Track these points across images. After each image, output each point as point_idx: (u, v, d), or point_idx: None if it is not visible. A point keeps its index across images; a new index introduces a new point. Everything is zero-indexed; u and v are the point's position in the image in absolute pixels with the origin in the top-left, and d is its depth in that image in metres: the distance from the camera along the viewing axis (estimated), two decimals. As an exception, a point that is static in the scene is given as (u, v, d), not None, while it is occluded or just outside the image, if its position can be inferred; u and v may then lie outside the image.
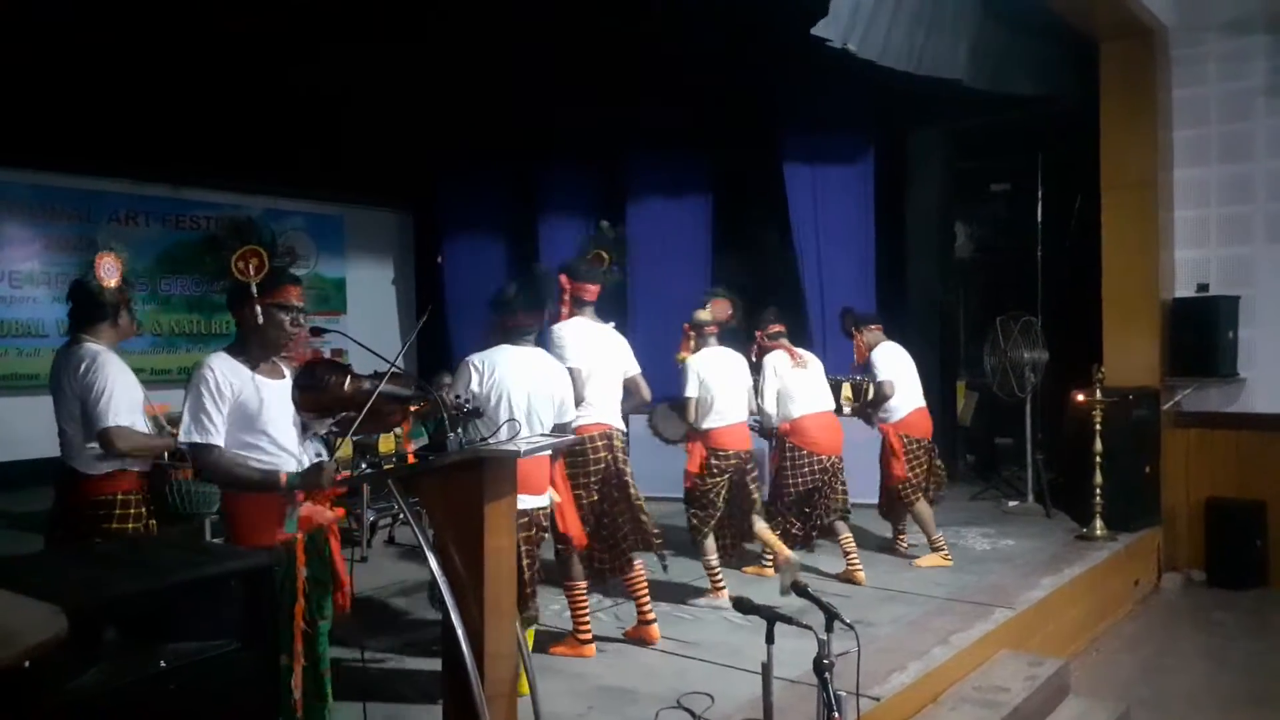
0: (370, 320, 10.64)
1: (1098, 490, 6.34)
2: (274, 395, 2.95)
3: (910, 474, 5.82)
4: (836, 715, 2.65)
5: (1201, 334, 6.74)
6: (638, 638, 4.50)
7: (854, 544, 5.53)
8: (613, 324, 4.64)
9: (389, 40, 6.57)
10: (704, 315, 5.31)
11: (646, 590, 4.52)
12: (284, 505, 2.86)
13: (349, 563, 3.15)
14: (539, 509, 3.89)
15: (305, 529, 2.91)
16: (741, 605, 2.92)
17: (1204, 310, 6.80)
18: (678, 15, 5.88)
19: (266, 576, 2.33)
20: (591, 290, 4.51)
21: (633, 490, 4.41)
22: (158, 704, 2.05)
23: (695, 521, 5.15)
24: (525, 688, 3.41)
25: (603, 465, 4.36)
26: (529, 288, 3.98)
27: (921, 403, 5.97)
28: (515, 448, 3.01)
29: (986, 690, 4.17)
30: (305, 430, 3.07)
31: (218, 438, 2.83)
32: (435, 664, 3.81)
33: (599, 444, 4.35)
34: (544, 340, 4.15)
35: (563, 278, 4.45)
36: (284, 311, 2.96)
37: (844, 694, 2.74)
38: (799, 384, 5.51)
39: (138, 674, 2.03)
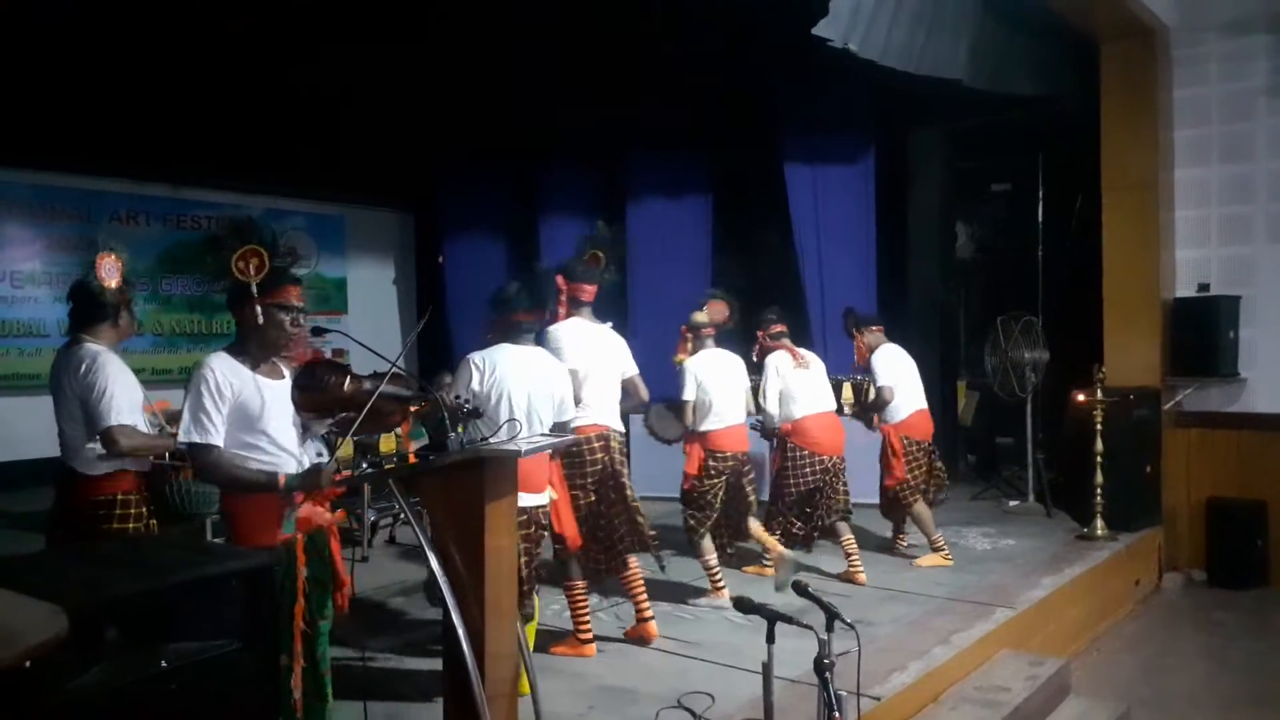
0: (371, 320, 10.64)
1: (1098, 490, 6.34)
2: (274, 396, 2.95)
3: (909, 476, 5.82)
4: (837, 715, 2.65)
5: (1202, 334, 6.74)
6: (637, 636, 4.50)
7: (855, 545, 5.53)
8: (610, 324, 4.64)
9: (389, 40, 6.57)
10: (701, 317, 5.31)
11: (643, 588, 4.53)
12: (282, 506, 2.86)
13: (349, 563, 3.15)
14: (538, 507, 3.89)
15: (304, 530, 2.91)
16: (742, 605, 2.92)
17: (1205, 310, 6.80)
18: (678, 15, 5.87)
19: (267, 576, 2.33)
20: (588, 291, 4.51)
21: (629, 492, 4.42)
22: (158, 704, 2.05)
23: (692, 522, 5.16)
24: (526, 687, 3.41)
25: (599, 466, 4.37)
26: (529, 286, 3.98)
27: (923, 404, 5.97)
28: (516, 447, 3.01)
29: (987, 690, 4.17)
30: (306, 431, 3.07)
31: (217, 438, 2.83)
32: (435, 664, 3.81)
33: (596, 445, 4.35)
34: (540, 341, 4.15)
35: (559, 278, 4.44)
36: (284, 312, 2.96)
37: (845, 693, 2.74)
38: (801, 384, 5.51)
39: (138, 674, 2.03)
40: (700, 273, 8.67)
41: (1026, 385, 7.41)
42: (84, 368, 3.46)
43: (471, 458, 2.92)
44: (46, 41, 6.32)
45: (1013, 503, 7.59)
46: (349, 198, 10.95)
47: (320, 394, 2.98)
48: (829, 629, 2.78)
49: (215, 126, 8.05)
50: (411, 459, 3.09)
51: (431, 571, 2.90)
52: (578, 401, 4.20)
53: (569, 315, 4.48)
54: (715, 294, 5.55)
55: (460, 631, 2.85)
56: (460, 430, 3.02)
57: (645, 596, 4.52)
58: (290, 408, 2.99)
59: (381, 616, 5.04)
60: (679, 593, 5.29)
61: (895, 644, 4.34)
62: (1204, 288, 6.95)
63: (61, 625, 1.60)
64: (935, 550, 5.83)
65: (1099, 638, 5.73)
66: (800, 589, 3.03)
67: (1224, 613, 6.19)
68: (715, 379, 5.17)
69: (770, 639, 2.79)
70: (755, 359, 5.72)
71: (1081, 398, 6.41)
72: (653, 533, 4.50)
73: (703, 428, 5.17)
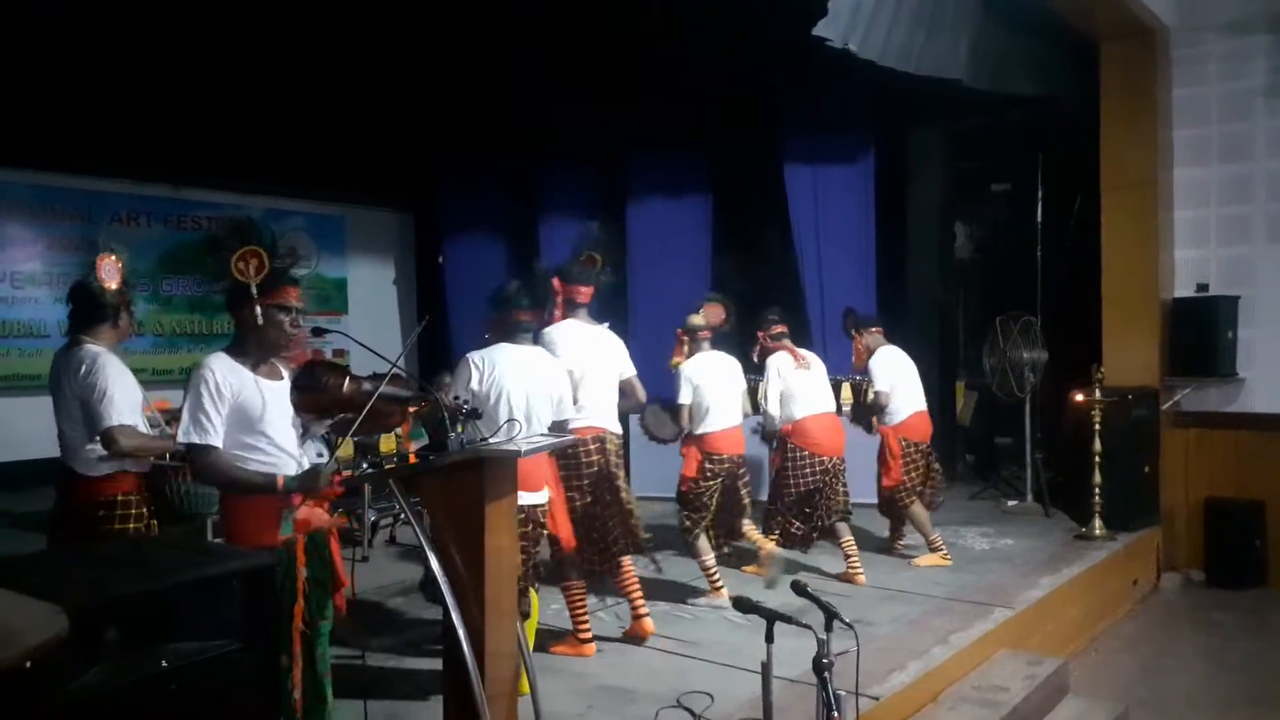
0: (371, 320, 10.65)
1: (1097, 490, 6.35)
2: (274, 397, 2.95)
3: (906, 477, 5.82)
4: (836, 714, 2.66)
5: (1201, 334, 6.75)
6: (634, 634, 4.52)
7: (855, 546, 5.54)
8: (606, 324, 4.65)
9: (389, 40, 6.58)
10: (697, 320, 5.32)
11: (638, 586, 4.54)
12: (281, 508, 2.86)
13: (350, 563, 3.15)
14: (536, 506, 3.89)
15: (301, 531, 2.91)
16: (741, 604, 2.93)
17: (1203, 310, 6.81)
18: (678, 15, 5.88)
19: (268, 577, 2.34)
20: (584, 292, 4.51)
21: (624, 494, 4.43)
22: (159, 704, 2.05)
23: (688, 523, 5.16)
24: (526, 687, 3.41)
25: (595, 468, 4.38)
26: (529, 285, 3.99)
27: (922, 406, 5.98)
28: (516, 447, 3.02)
29: (986, 690, 4.18)
30: (305, 432, 3.08)
31: (216, 438, 2.83)
32: (435, 663, 3.81)
33: (591, 447, 4.36)
34: (537, 343, 4.16)
35: (555, 281, 4.45)
36: (283, 312, 2.96)
37: (843, 693, 2.75)
38: (802, 385, 5.52)
39: (139, 674, 2.03)
40: (700, 273, 8.68)
41: (1025, 385, 7.41)
42: (84, 369, 3.47)
43: (471, 458, 2.93)
44: (46, 41, 6.32)
45: (1011, 503, 7.60)
46: (349, 198, 10.95)
47: (319, 395, 2.98)
48: (828, 629, 2.79)
49: (215, 127, 8.05)
50: (412, 459, 3.09)
51: (428, 568, 2.91)
52: (574, 403, 4.21)
53: (565, 317, 4.48)
54: (712, 297, 5.56)
55: (460, 631, 2.86)
56: (459, 430, 3.03)
57: (640, 594, 4.53)
58: (289, 408, 2.99)
59: (381, 616, 5.04)
60: (678, 593, 5.30)
61: (894, 644, 4.35)
62: (1203, 288, 6.96)
63: (62, 625, 1.61)
64: (933, 550, 5.84)
65: (1097, 638, 5.73)
66: (799, 589, 3.04)
67: (1222, 613, 6.20)
68: (711, 382, 5.17)
69: (769, 639, 2.79)
70: (756, 360, 5.72)
71: (1080, 398, 6.42)
72: (647, 535, 4.52)
73: (699, 430, 5.17)
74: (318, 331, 3.21)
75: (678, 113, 7.91)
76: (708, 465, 5.15)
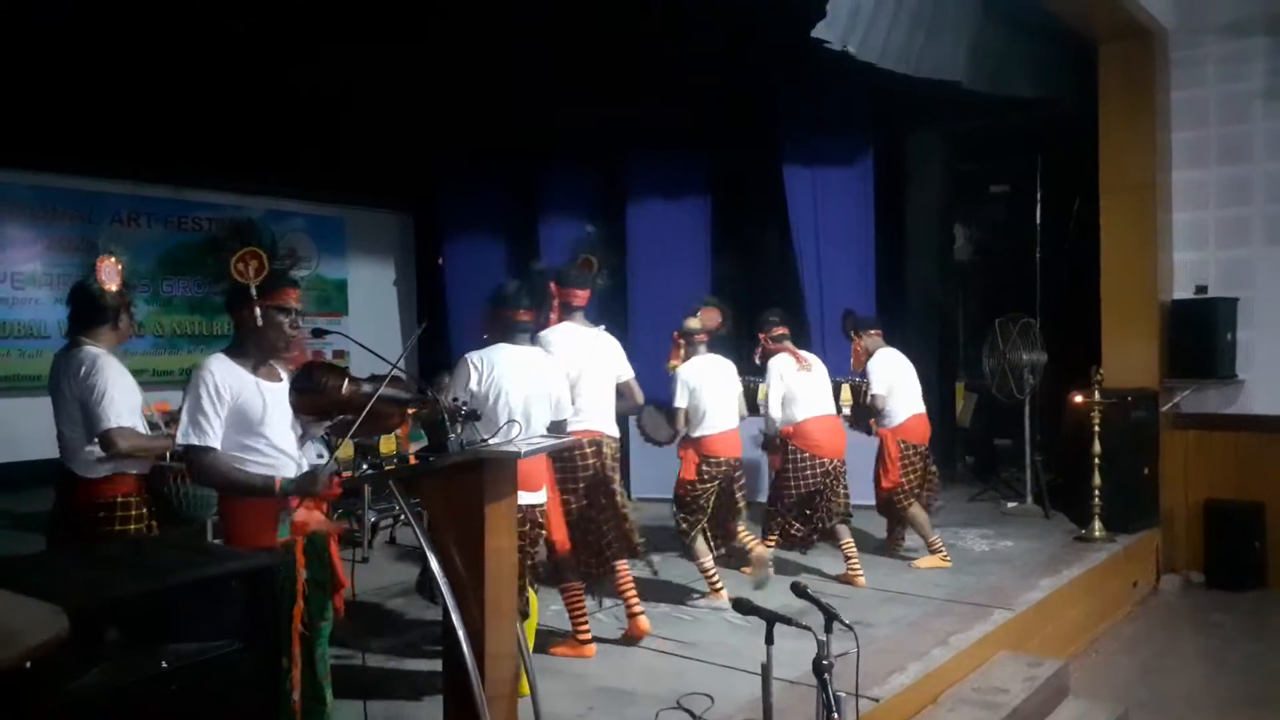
0: (372, 322, 10.65)
1: (1096, 492, 6.35)
2: (274, 398, 2.95)
3: (904, 480, 5.83)
4: (836, 716, 2.66)
5: (1200, 336, 6.75)
6: (629, 633, 4.52)
7: (855, 548, 5.54)
8: (603, 326, 4.65)
9: (389, 40, 6.58)
10: (694, 323, 5.33)
11: (633, 584, 4.55)
12: (278, 510, 2.86)
13: (350, 564, 3.15)
14: (534, 506, 3.89)
15: (298, 534, 2.90)
16: (741, 606, 2.93)
17: (1203, 312, 6.81)
18: (678, 15, 5.88)
19: (267, 577, 2.34)
20: (580, 296, 4.51)
21: (619, 498, 4.43)
22: (159, 704, 2.05)
23: (684, 525, 5.16)
24: (526, 688, 3.41)
25: (591, 472, 4.38)
26: (528, 284, 4.00)
27: (920, 408, 5.98)
28: (516, 449, 3.02)
29: (985, 691, 4.18)
30: (304, 434, 3.07)
31: (214, 440, 2.83)
32: (435, 664, 3.81)
33: (588, 450, 4.36)
34: (534, 345, 4.16)
35: (551, 284, 4.46)
36: (283, 314, 2.96)
37: (843, 695, 2.74)
38: (804, 387, 5.52)
39: (139, 674, 2.04)
40: (699, 274, 8.67)
41: (1025, 387, 7.42)
42: (83, 370, 3.47)
43: (471, 459, 2.93)
44: (46, 41, 6.32)
45: (1011, 504, 7.60)
46: (349, 199, 10.95)
47: (318, 396, 2.98)
48: (828, 630, 2.78)
49: (216, 128, 8.05)
50: (412, 460, 3.09)
51: (425, 568, 2.91)
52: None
53: (561, 320, 4.48)
54: (709, 301, 5.57)
55: (460, 632, 2.86)
56: (458, 432, 3.03)
57: (635, 593, 4.54)
58: (289, 410, 2.99)
59: (381, 617, 5.04)
60: (678, 594, 5.30)
61: (894, 645, 4.35)
62: (1202, 289, 6.96)
63: (62, 626, 1.61)
64: (933, 552, 5.84)
65: (1097, 639, 5.73)
66: (799, 590, 3.04)
67: (1222, 614, 6.20)
68: (708, 385, 5.18)
69: (769, 640, 2.79)
70: (758, 361, 5.72)
71: (1079, 399, 6.42)
72: (641, 540, 4.52)
73: (697, 433, 5.18)
74: (318, 333, 3.22)
75: (678, 113, 7.91)
76: (705, 468, 5.16)
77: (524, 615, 3.95)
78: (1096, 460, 6.36)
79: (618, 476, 4.48)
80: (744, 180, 8.90)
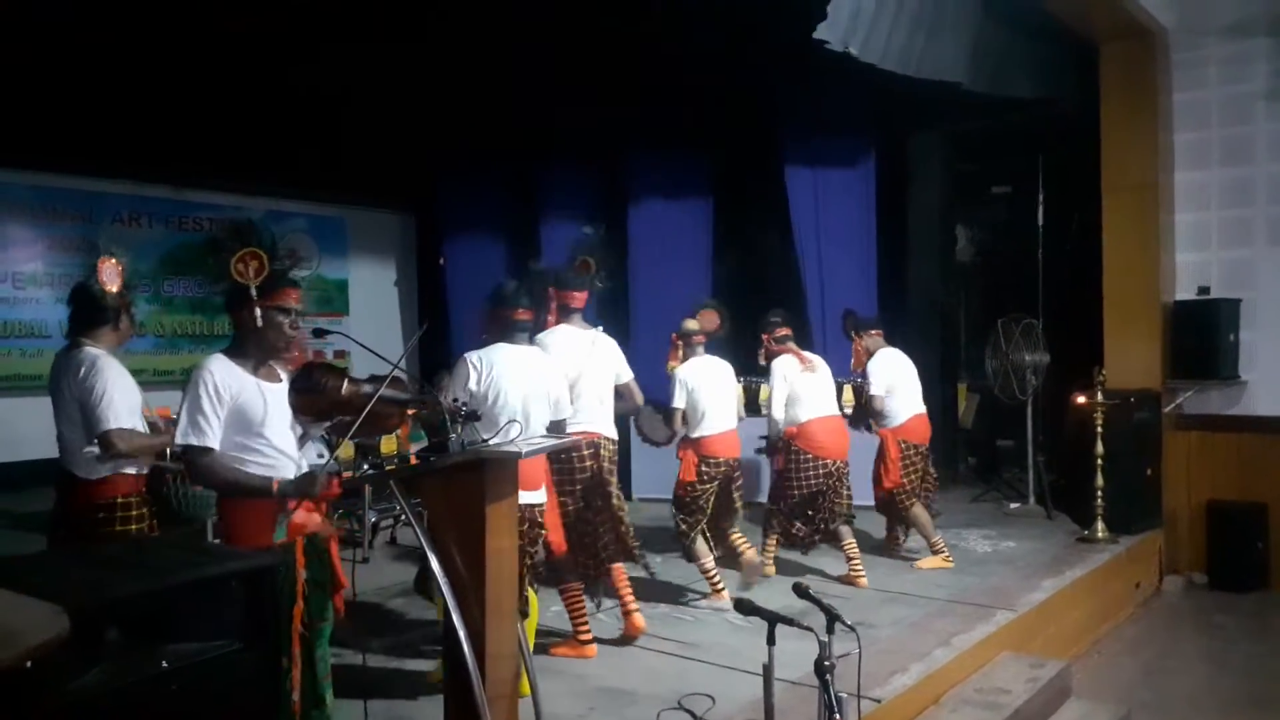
0: (373, 322, 10.64)
1: (1099, 492, 6.34)
2: (274, 399, 2.94)
3: (905, 480, 5.82)
4: (837, 717, 2.65)
5: (1203, 337, 6.74)
6: (626, 631, 4.51)
7: (857, 549, 5.53)
8: (600, 327, 4.64)
9: (389, 40, 6.58)
10: (692, 324, 5.33)
11: (628, 582, 4.55)
12: (276, 511, 2.85)
13: (350, 564, 3.15)
14: (534, 505, 3.89)
15: (295, 536, 2.89)
16: (743, 607, 2.92)
17: (1205, 313, 6.80)
18: (678, 15, 5.88)
19: (267, 577, 2.33)
20: (578, 298, 4.51)
21: (615, 501, 4.42)
22: (159, 704, 2.05)
23: (684, 526, 5.16)
24: (526, 688, 3.41)
25: (588, 474, 4.38)
26: (527, 283, 3.99)
27: (921, 408, 5.97)
28: (517, 449, 3.01)
29: (988, 692, 4.17)
30: (304, 435, 3.07)
31: (213, 440, 2.82)
32: (435, 664, 3.82)
33: (585, 453, 4.35)
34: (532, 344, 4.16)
35: (549, 287, 4.45)
36: (283, 314, 2.95)
37: (845, 695, 2.74)
38: (808, 388, 5.51)
39: (139, 674, 2.03)
40: (700, 274, 8.67)
41: (1027, 388, 7.41)
42: (83, 371, 3.46)
43: (472, 459, 2.92)
44: (46, 41, 6.32)
45: (1013, 505, 7.60)
46: (350, 199, 10.96)
47: (317, 397, 2.97)
48: (829, 631, 2.78)
49: (216, 128, 8.05)
50: (413, 460, 3.08)
51: (422, 566, 2.90)
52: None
53: (559, 322, 4.48)
54: (708, 303, 5.58)
55: (461, 632, 2.85)
56: (458, 431, 3.02)
57: (630, 591, 4.54)
58: (289, 411, 2.99)
59: (381, 617, 5.04)
60: (679, 595, 5.30)
61: (896, 646, 4.34)
62: (1204, 290, 6.95)
63: (63, 625, 1.61)
64: (935, 552, 5.83)
65: (1100, 640, 5.72)
66: (801, 591, 3.03)
67: (1224, 615, 6.19)
68: (706, 386, 5.18)
69: (771, 641, 2.78)
70: (763, 362, 5.71)
71: (1082, 400, 6.41)
72: (636, 543, 4.51)
73: (695, 434, 5.18)
74: (319, 333, 3.21)
75: (678, 113, 7.91)
76: (704, 468, 5.16)
77: (523, 615, 3.95)
78: (1099, 461, 6.35)
79: (615, 479, 4.47)
80: (745, 181, 8.89)
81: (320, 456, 3.10)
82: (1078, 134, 7.35)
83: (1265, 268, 6.78)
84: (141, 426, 3.59)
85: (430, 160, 9.85)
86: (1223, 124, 6.90)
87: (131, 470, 3.56)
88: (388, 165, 9.85)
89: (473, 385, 3.73)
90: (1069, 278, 8.05)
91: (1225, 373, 6.74)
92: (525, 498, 3.74)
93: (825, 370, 5.66)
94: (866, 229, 8.18)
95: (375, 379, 2.97)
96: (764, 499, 5.99)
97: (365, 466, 3.23)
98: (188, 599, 2.19)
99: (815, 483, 5.44)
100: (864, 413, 6.05)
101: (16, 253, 8.74)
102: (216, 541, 4.38)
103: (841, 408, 5.88)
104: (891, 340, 6.12)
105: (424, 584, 4.04)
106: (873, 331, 6.09)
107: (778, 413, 5.52)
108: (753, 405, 7.42)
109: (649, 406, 5.52)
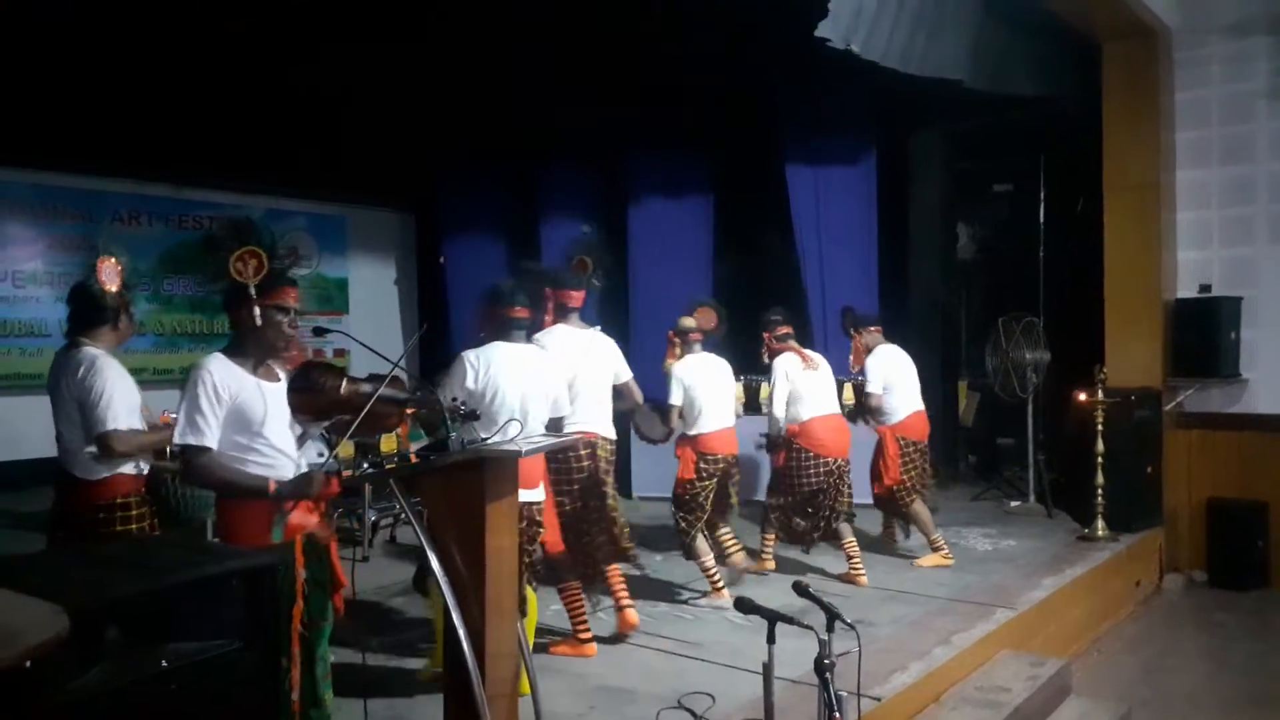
0: (373, 321, 10.65)
1: (1099, 491, 6.34)
2: (273, 398, 2.94)
3: (904, 477, 5.82)
4: (837, 715, 2.65)
5: (1204, 335, 6.74)
6: (620, 627, 4.51)
7: (857, 547, 5.53)
8: (598, 327, 4.64)
9: (389, 40, 6.58)
10: (688, 322, 5.34)
11: (622, 579, 4.55)
12: (273, 512, 2.84)
13: (350, 563, 3.14)
14: (533, 503, 3.88)
15: (292, 536, 2.89)
16: (743, 605, 2.92)
17: (1206, 311, 6.80)
18: (678, 15, 5.88)
19: (267, 576, 2.33)
20: (575, 297, 4.50)
21: (611, 501, 4.42)
22: (159, 704, 2.05)
23: (684, 524, 5.16)
24: (526, 687, 3.41)
25: (585, 474, 4.38)
26: (524, 282, 3.99)
27: (920, 406, 5.97)
28: (517, 448, 3.01)
29: (988, 690, 4.17)
30: (304, 435, 3.06)
31: (211, 440, 2.81)
32: (426, 662, 3.82)
33: (582, 452, 4.35)
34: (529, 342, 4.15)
35: (545, 287, 4.45)
36: (282, 313, 2.94)
37: (845, 694, 2.74)
38: (809, 386, 5.52)
39: (139, 674, 2.03)
40: (701, 273, 8.67)
41: (1028, 386, 7.41)
42: (82, 370, 3.46)
43: (472, 458, 2.92)
44: (46, 41, 6.32)
45: (1014, 503, 7.59)
46: (350, 198, 10.97)
47: (316, 396, 2.97)
48: (829, 629, 2.78)
49: (216, 127, 8.06)
50: (413, 459, 3.08)
51: (420, 564, 2.90)
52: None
53: (556, 322, 4.48)
54: (705, 301, 5.58)
55: (461, 631, 2.85)
56: (457, 431, 3.01)
57: (624, 588, 4.54)
58: (288, 410, 2.98)
59: (381, 616, 5.04)
60: (679, 593, 5.30)
61: (896, 644, 4.34)
62: (1205, 289, 6.95)
63: (62, 625, 1.60)
64: (935, 550, 5.83)
65: (1100, 638, 5.72)
66: (801, 589, 3.03)
67: (1225, 614, 6.19)
68: (703, 383, 5.18)
69: (771, 639, 2.78)
70: (766, 361, 5.71)
71: (1083, 398, 6.41)
72: (630, 545, 4.52)
73: (693, 431, 5.18)
74: (319, 331, 3.20)
75: (678, 113, 7.91)
76: (703, 465, 5.16)
77: (522, 613, 3.95)
78: (1099, 459, 6.35)
79: (612, 479, 4.47)
80: (746, 180, 8.88)
81: (320, 456, 3.10)
82: (1079, 132, 7.35)
83: (1266, 266, 6.78)
84: (141, 426, 3.58)
85: (430, 160, 9.85)
86: (1224, 122, 6.90)
87: (131, 470, 3.55)
88: (388, 164, 9.85)
89: (470, 384, 3.73)
90: (1070, 276, 8.05)
91: (1226, 371, 6.74)
92: (524, 495, 3.74)
93: (827, 368, 5.66)
94: (867, 227, 8.17)
95: (374, 378, 2.97)
96: (762, 497, 5.99)
97: (365, 465, 3.23)
98: (187, 598, 2.18)
99: (816, 481, 5.44)
100: (862, 409, 6.05)
101: (16, 251, 8.76)
102: (216, 540, 4.39)
103: (843, 406, 5.88)
104: (892, 338, 6.12)
105: (422, 582, 4.04)
106: (872, 328, 6.09)
107: (779, 411, 5.52)
108: (753, 403, 7.43)
109: (647, 404, 5.53)
